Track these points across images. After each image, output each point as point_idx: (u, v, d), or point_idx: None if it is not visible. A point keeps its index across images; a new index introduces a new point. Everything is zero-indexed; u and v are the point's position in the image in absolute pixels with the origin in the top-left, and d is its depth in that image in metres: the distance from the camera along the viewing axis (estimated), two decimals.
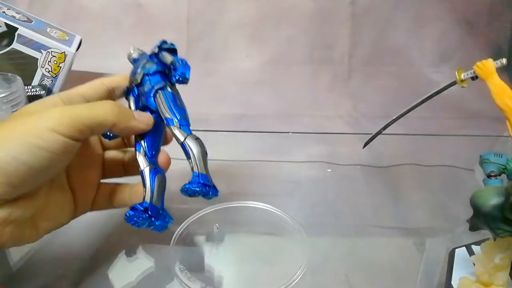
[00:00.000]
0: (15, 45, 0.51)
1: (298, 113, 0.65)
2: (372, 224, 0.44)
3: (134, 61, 0.37)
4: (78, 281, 0.36)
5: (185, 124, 0.34)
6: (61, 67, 0.53)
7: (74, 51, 0.54)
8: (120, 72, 0.37)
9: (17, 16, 0.53)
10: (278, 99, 0.66)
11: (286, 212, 0.42)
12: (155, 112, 0.35)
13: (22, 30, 0.51)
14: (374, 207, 0.46)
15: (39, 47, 0.52)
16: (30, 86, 0.52)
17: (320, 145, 0.58)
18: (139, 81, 0.35)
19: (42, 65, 0.53)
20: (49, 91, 0.54)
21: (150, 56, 0.37)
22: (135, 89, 0.36)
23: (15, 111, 0.43)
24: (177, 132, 0.34)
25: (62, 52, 0.53)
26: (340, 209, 0.46)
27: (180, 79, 0.35)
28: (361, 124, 0.63)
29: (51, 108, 0.30)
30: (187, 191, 0.33)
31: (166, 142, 0.37)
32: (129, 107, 0.36)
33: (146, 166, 0.34)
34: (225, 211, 0.39)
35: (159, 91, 0.35)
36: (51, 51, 0.52)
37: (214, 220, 0.37)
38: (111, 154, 0.37)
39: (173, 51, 0.36)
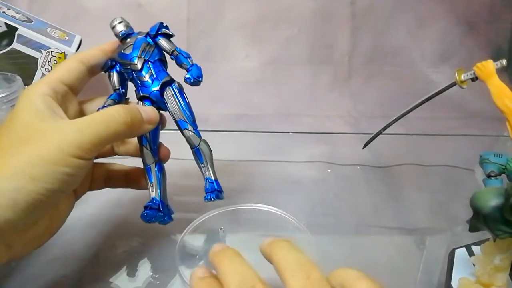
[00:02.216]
0: (15, 45, 0.51)
1: (298, 113, 0.65)
2: (372, 224, 0.44)
3: (122, 35, 0.36)
4: (78, 282, 0.36)
5: (196, 127, 0.36)
6: None
7: (74, 51, 0.54)
8: None
9: (17, 16, 0.53)
10: (278, 99, 0.66)
11: (286, 212, 0.42)
12: (156, 103, 0.35)
13: (22, 30, 0.51)
14: (374, 207, 0.47)
15: (39, 47, 0.52)
16: None
17: (320, 145, 0.58)
18: (139, 67, 0.35)
19: (42, 65, 0.53)
20: None
21: (146, 36, 0.36)
22: (119, 65, 0.36)
23: None
24: (191, 138, 0.35)
25: (62, 52, 0.53)
26: (340, 209, 0.46)
27: (195, 82, 0.35)
28: (361, 124, 0.63)
29: (64, 127, 0.29)
30: (210, 199, 0.35)
31: (163, 126, 0.38)
32: (111, 83, 0.36)
33: (152, 162, 0.36)
34: (230, 214, 0.39)
35: (168, 88, 0.35)
36: (51, 51, 0.52)
37: (219, 223, 0.37)
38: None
39: (169, 36, 0.36)
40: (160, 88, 0.35)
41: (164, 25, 0.36)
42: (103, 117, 0.30)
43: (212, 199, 0.35)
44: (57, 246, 0.37)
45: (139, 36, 0.36)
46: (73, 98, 0.34)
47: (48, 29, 0.55)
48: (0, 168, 0.27)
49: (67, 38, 0.55)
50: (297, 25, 0.67)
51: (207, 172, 0.36)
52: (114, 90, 0.36)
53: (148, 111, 0.34)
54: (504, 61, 0.33)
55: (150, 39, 0.36)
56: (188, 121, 0.35)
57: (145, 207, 0.36)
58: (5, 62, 0.51)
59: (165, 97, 0.35)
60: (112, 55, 0.36)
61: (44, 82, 0.32)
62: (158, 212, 0.36)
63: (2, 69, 0.49)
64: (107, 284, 0.35)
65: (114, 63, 0.36)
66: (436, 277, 0.37)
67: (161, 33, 0.36)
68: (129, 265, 0.37)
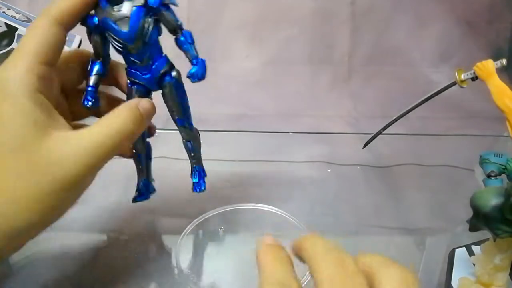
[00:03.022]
0: (15, 45, 0.51)
1: (298, 113, 0.65)
2: (372, 224, 0.44)
3: None
4: (78, 282, 0.36)
5: (191, 122, 0.35)
6: None
7: None
8: None
9: (17, 16, 0.53)
10: (278, 99, 0.66)
11: (286, 212, 0.42)
12: (148, 88, 0.32)
13: (22, 30, 0.51)
14: (374, 207, 0.47)
15: None
16: None
17: (320, 145, 0.58)
18: (135, 51, 0.30)
19: None
20: None
21: (143, 7, 0.29)
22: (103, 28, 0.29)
23: None
24: (184, 133, 0.35)
25: None
26: (340, 209, 0.46)
27: (197, 80, 0.31)
28: (361, 124, 0.63)
29: (70, 153, 0.26)
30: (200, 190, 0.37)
31: (151, 134, 0.37)
32: (93, 47, 0.31)
33: (143, 151, 0.36)
34: (229, 214, 0.39)
35: (166, 78, 0.31)
36: None
37: (219, 222, 0.37)
38: None
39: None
40: (157, 76, 0.31)
41: None
42: (113, 120, 0.28)
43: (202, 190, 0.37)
44: (57, 247, 0.37)
45: (134, 5, 0.29)
46: (54, 75, 0.29)
47: None
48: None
49: (67, 38, 0.55)
50: (297, 25, 0.67)
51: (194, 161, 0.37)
52: (97, 58, 0.31)
53: (146, 107, 0.30)
54: (504, 61, 0.33)
55: (149, 13, 0.29)
56: (186, 121, 0.34)
57: (139, 194, 0.38)
58: None
59: (162, 87, 0.32)
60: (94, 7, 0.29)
61: (25, 67, 0.26)
62: (148, 195, 0.38)
63: None
64: (107, 285, 0.35)
65: (97, 23, 0.29)
66: (436, 277, 0.37)
67: (165, 3, 0.29)
68: (128, 266, 0.37)
